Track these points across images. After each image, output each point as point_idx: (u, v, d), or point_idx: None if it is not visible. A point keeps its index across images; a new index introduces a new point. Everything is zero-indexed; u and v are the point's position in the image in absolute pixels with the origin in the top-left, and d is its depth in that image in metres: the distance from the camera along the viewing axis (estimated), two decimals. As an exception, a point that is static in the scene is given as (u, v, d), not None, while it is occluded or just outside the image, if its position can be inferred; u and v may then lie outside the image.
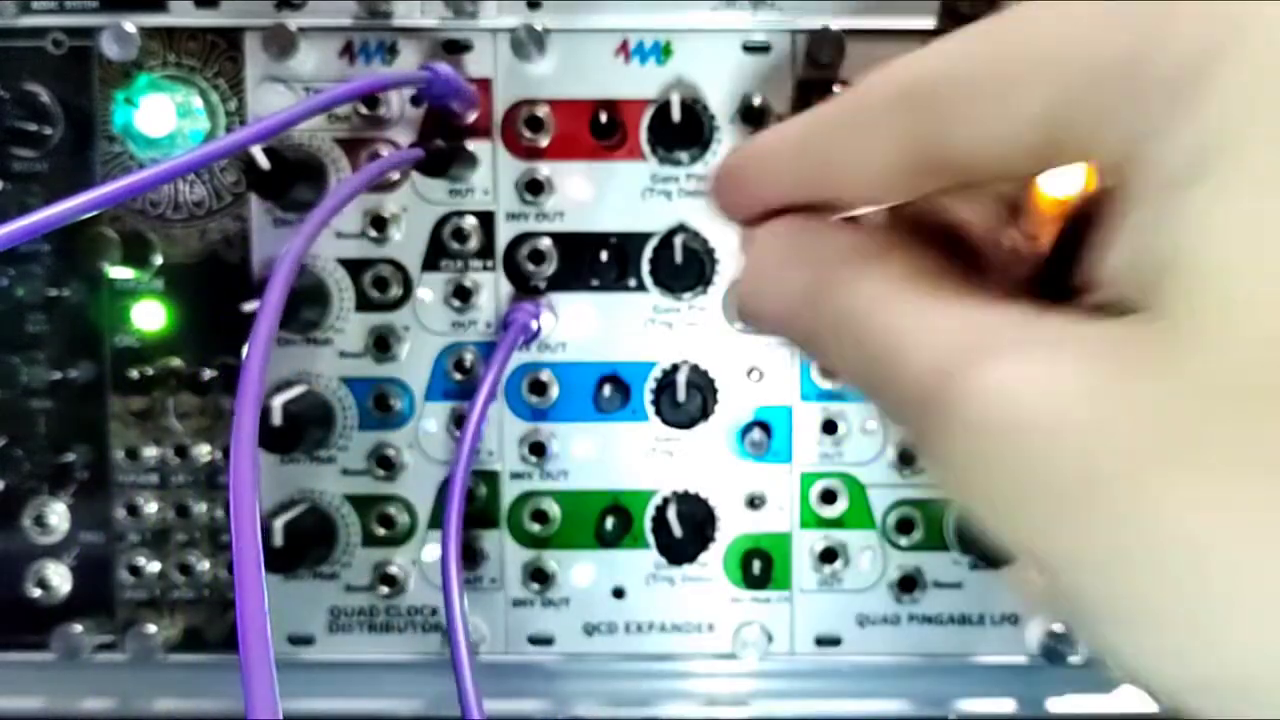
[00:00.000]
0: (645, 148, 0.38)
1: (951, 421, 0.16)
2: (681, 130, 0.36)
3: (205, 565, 0.39)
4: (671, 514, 0.37)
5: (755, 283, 0.20)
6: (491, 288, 0.38)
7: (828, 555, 0.39)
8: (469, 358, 0.38)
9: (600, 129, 0.37)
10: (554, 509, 0.39)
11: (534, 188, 0.38)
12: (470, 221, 0.38)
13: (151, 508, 0.39)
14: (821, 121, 0.20)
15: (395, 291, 0.38)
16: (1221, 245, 0.14)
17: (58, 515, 0.39)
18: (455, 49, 0.38)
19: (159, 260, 0.38)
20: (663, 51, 0.38)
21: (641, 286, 0.38)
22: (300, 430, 0.36)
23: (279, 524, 0.35)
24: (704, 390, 0.37)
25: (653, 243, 0.38)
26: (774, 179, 0.21)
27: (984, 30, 0.17)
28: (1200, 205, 0.14)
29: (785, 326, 0.20)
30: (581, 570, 0.39)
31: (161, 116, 0.36)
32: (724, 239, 0.38)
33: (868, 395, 0.18)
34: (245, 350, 0.20)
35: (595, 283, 0.38)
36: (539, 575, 0.39)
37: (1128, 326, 0.15)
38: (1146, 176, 0.15)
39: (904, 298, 0.18)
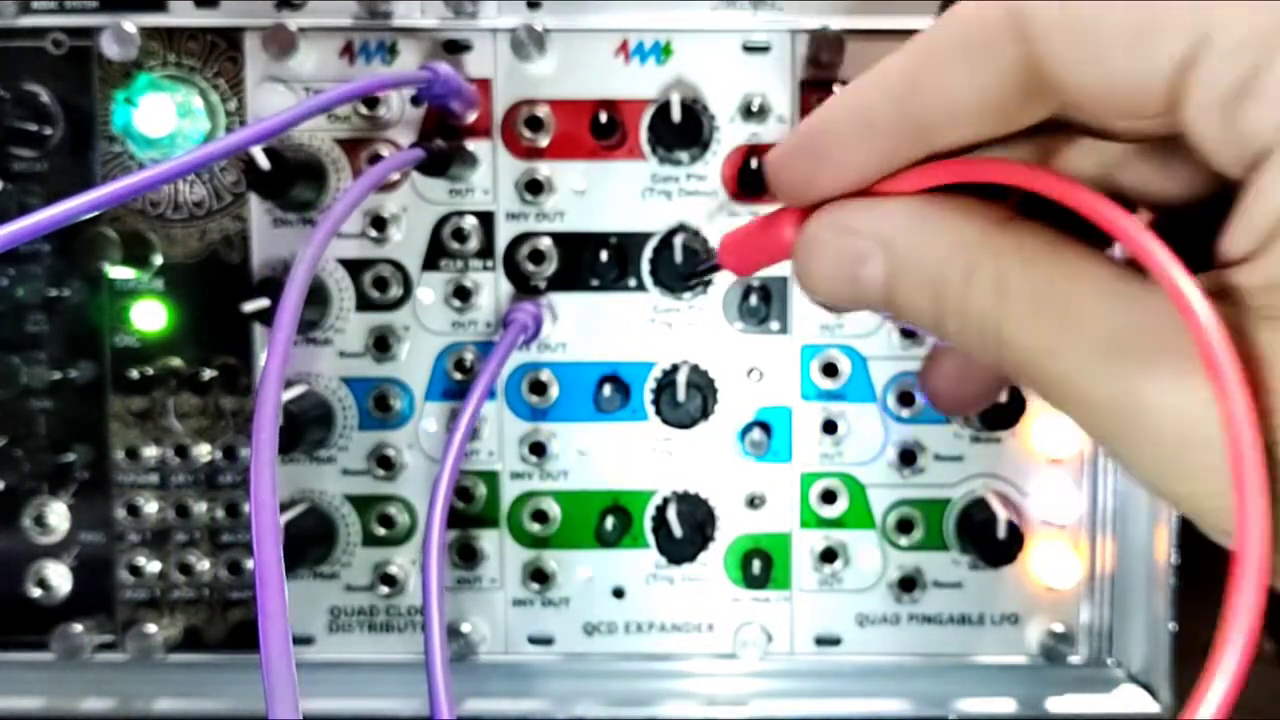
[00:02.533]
0: (645, 148, 0.38)
1: (1144, 430, 0.17)
2: (681, 130, 0.36)
3: (205, 565, 0.39)
4: (671, 514, 0.37)
5: (892, 264, 0.20)
6: (491, 288, 0.38)
7: (828, 555, 0.39)
8: (469, 358, 0.38)
9: (600, 129, 0.37)
10: (554, 509, 0.39)
11: (534, 188, 0.38)
12: (470, 221, 0.38)
13: (151, 508, 0.39)
14: (926, 52, 0.19)
15: (395, 291, 0.38)
16: None
17: (58, 515, 0.39)
18: (455, 49, 0.38)
19: (159, 260, 0.38)
20: (663, 51, 0.38)
21: (641, 286, 0.38)
22: (300, 430, 0.36)
23: (279, 523, 0.35)
24: (704, 390, 0.37)
25: (653, 242, 0.38)
26: (869, 137, 0.19)
27: None
28: None
29: (919, 314, 0.20)
30: (581, 570, 0.39)
31: (161, 116, 0.36)
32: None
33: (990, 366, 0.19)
34: (264, 360, 0.20)
35: (595, 283, 0.38)
36: (539, 575, 0.39)
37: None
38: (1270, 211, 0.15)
39: (1050, 292, 0.18)
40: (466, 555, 0.39)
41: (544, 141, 0.38)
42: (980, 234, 0.18)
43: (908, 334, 0.39)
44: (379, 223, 0.38)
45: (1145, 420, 0.17)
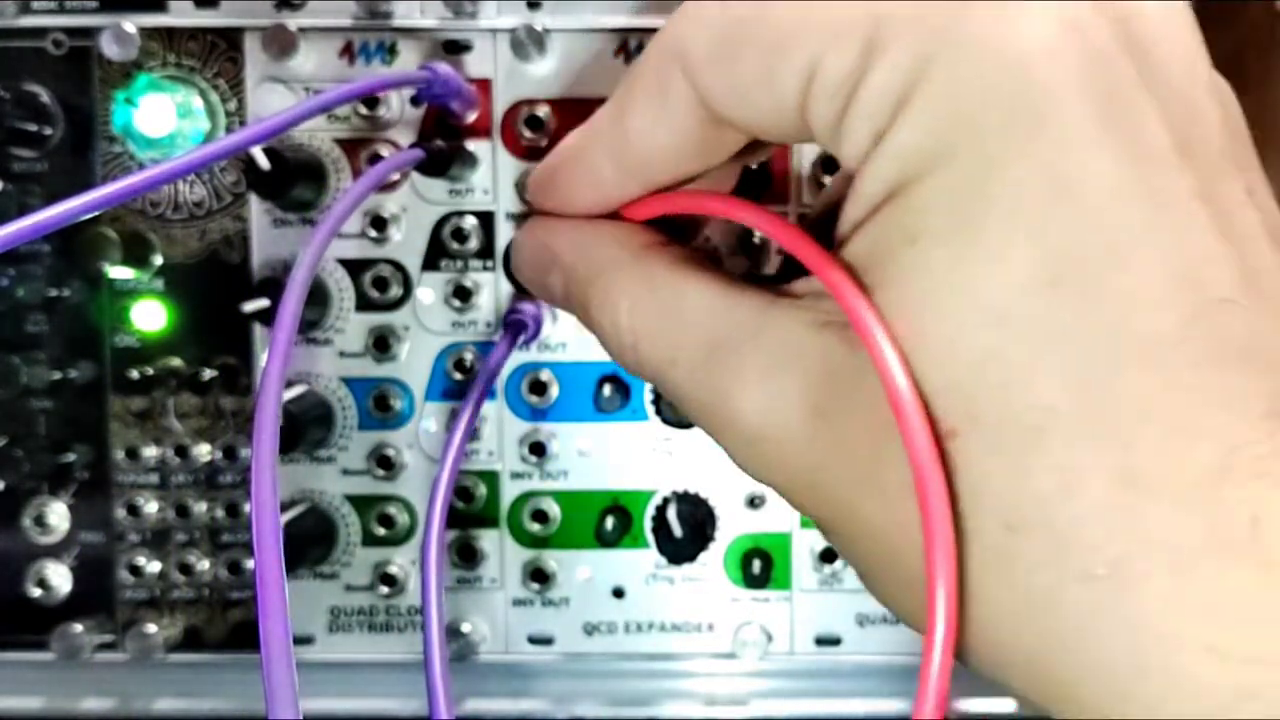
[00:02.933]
0: (645, 148, 0.38)
1: (734, 428, 0.19)
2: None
3: (205, 565, 0.39)
4: (671, 514, 0.37)
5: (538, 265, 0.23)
6: (491, 288, 0.38)
7: (828, 555, 0.39)
8: (469, 358, 0.38)
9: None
10: (554, 509, 0.39)
11: (534, 188, 0.38)
12: (470, 221, 0.38)
13: (151, 508, 0.39)
14: (623, 100, 0.21)
15: (395, 291, 0.38)
16: (900, 292, 0.17)
17: (58, 515, 0.39)
18: (455, 49, 0.38)
19: (159, 260, 0.38)
20: (663, 51, 0.38)
21: (641, 286, 0.38)
22: (300, 430, 0.36)
23: (280, 524, 0.35)
24: (704, 390, 0.37)
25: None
26: (593, 184, 0.22)
27: None
28: (891, 250, 0.17)
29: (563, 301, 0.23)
30: (581, 570, 0.39)
31: (161, 116, 0.36)
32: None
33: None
34: (264, 361, 0.20)
35: (595, 283, 0.38)
36: (539, 575, 0.39)
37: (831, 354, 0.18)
38: (872, 176, 0.17)
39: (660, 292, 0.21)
40: (466, 555, 0.39)
41: (544, 141, 0.38)
42: (621, 259, 0.21)
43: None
44: (379, 223, 0.38)
45: (734, 420, 0.19)
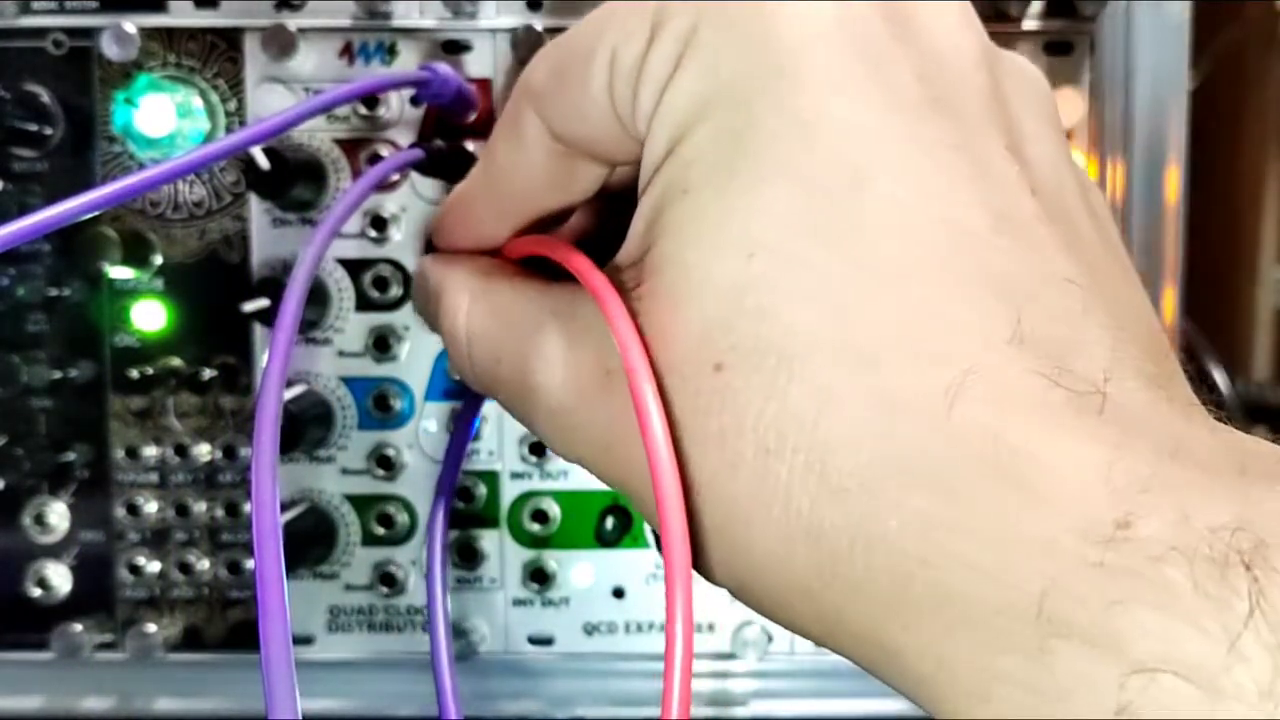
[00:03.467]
0: (645, 148, 0.38)
1: (536, 401, 0.21)
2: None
3: (205, 565, 0.39)
4: (671, 514, 0.37)
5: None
6: (491, 288, 0.38)
7: (827, 555, 0.39)
8: (469, 358, 0.38)
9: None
10: (554, 509, 0.39)
11: (534, 188, 0.38)
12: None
13: (151, 507, 0.39)
14: (491, 142, 0.23)
15: (395, 291, 0.38)
16: (672, 239, 0.18)
17: (58, 515, 0.39)
18: (455, 49, 0.38)
19: (159, 260, 0.38)
20: (662, 51, 0.38)
21: (641, 286, 0.38)
22: (300, 430, 0.36)
23: (280, 525, 0.35)
24: (704, 390, 0.37)
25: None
26: (473, 223, 0.24)
27: (570, 31, 0.20)
28: (663, 202, 0.18)
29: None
30: (581, 570, 0.39)
31: (161, 116, 0.36)
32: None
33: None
34: (264, 361, 0.20)
35: (595, 283, 0.38)
36: (539, 575, 0.39)
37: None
38: (653, 138, 0.19)
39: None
40: (466, 555, 0.39)
41: (544, 141, 0.38)
42: (471, 275, 0.23)
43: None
44: (379, 223, 0.38)
45: (541, 397, 0.20)
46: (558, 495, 0.39)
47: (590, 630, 0.40)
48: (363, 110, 0.37)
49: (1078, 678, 0.13)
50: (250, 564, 0.39)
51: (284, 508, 0.38)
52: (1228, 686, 0.12)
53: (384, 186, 0.38)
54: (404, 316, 0.39)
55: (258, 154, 0.34)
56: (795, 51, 0.17)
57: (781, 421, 0.16)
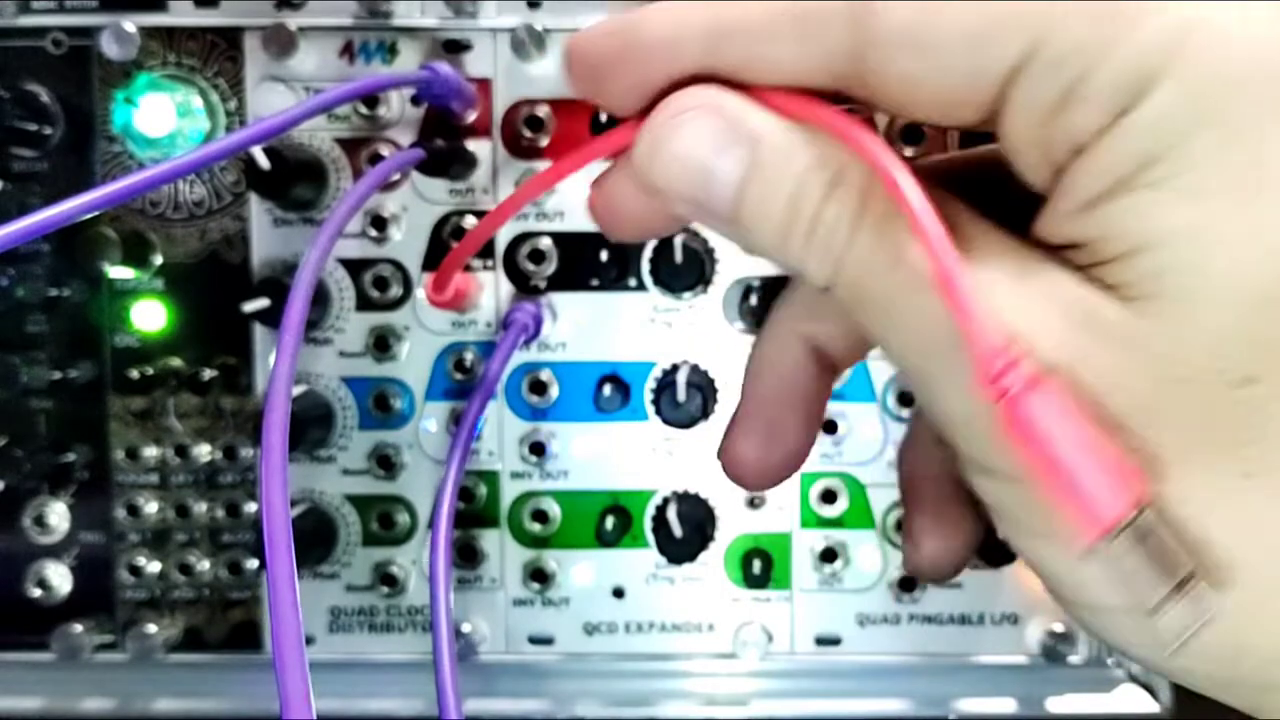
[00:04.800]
0: (645, 148, 0.37)
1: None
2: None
3: (205, 565, 0.39)
4: (671, 514, 0.37)
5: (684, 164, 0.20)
6: (491, 288, 0.38)
7: (828, 555, 0.39)
8: (469, 358, 0.38)
9: (600, 128, 0.37)
10: (554, 509, 0.39)
11: (534, 188, 0.38)
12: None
13: (151, 508, 0.39)
14: (757, 15, 0.19)
15: (395, 291, 0.38)
16: (1184, 246, 0.17)
17: (58, 515, 0.39)
18: (455, 49, 0.38)
19: (159, 260, 0.38)
20: (663, 51, 0.38)
21: (641, 286, 0.38)
22: (301, 430, 0.36)
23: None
24: (704, 390, 0.37)
25: (652, 242, 0.38)
26: (676, 55, 0.19)
27: None
28: (1160, 207, 0.17)
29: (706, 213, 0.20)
30: (581, 570, 0.39)
31: (161, 116, 0.36)
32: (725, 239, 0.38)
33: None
34: (264, 361, 0.20)
35: (595, 282, 0.38)
36: (539, 575, 0.39)
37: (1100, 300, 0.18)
38: (1099, 166, 0.17)
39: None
40: (467, 555, 0.39)
41: (544, 141, 0.38)
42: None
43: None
44: (379, 223, 0.38)
45: (906, 319, 0.19)
46: (558, 495, 0.39)
47: (590, 630, 0.40)
48: (363, 110, 0.37)
49: None
50: (251, 564, 0.39)
51: (284, 508, 0.38)
52: None
53: (384, 186, 0.38)
54: (404, 316, 0.39)
55: (258, 154, 0.34)
56: None
57: None
